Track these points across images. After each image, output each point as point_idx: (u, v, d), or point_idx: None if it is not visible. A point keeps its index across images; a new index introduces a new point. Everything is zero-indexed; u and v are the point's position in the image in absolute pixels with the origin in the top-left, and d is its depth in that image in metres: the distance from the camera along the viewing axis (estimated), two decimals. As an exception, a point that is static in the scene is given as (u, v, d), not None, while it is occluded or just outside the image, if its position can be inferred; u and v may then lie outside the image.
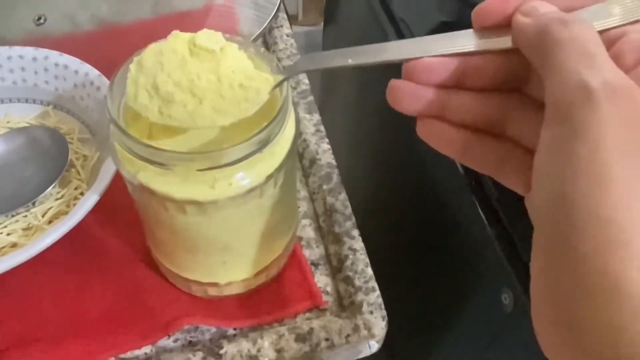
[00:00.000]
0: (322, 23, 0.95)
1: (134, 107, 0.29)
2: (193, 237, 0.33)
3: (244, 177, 0.30)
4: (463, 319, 0.52)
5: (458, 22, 0.57)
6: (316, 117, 0.49)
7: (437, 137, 0.25)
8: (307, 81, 0.52)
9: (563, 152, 0.19)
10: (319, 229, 0.44)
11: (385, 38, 0.62)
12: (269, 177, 0.31)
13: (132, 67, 0.29)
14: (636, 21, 0.22)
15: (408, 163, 0.60)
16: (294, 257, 0.41)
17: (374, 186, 0.72)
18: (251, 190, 0.30)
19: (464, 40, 0.24)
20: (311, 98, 0.50)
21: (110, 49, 0.53)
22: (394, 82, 0.24)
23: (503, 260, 0.45)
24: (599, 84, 0.19)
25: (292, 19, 1.00)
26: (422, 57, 0.24)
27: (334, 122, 0.81)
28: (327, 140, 0.48)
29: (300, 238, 0.43)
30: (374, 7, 0.67)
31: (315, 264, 0.42)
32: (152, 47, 0.29)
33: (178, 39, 0.29)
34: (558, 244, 0.18)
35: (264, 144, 0.29)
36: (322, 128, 0.48)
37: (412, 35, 0.59)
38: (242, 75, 0.29)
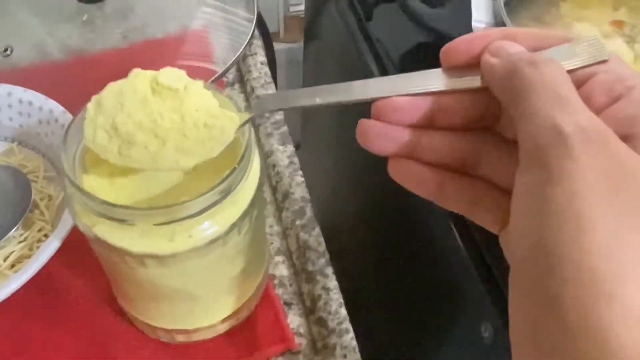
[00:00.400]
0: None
1: (92, 148, 0.28)
2: (155, 287, 0.32)
3: (205, 229, 0.29)
4: (443, 350, 0.51)
5: (435, 43, 0.56)
6: (290, 148, 0.48)
7: (409, 178, 0.24)
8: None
9: (539, 199, 0.18)
10: (292, 266, 0.43)
11: (362, 58, 0.61)
12: (232, 227, 0.30)
13: (91, 106, 0.28)
14: (602, 61, 0.22)
15: (388, 193, 0.59)
16: (266, 298, 0.40)
17: (354, 215, 0.72)
18: (213, 241, 0.29)
19: (433, 80, 0.23)
20: (285, 128, 0.49)
21: (81, 79, 0.52)
22: (363, 122, 0.24)
23: (483, 292, 0.44)
24: (573, 129, 0.18)
25: (274, 36, 0.99)
26: (391, 97, 0.23)
27: (315, 151, 0.81)
28: (300, 172, 0.47)
29: (274, 276, 0.42)
30: (350, 28, 0.66)
31: (288, 304, 0.41)
32: (112, 87, 0.28)
33: (139, 78, 0.28)
34: (540, 293, 0.18)
35: (225, 194, 0.28)
36: (295, 160, 0.47)
37: (389, 56, 0.59)
38: (207, 114, 0.28)
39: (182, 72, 0.28)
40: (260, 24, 0.66)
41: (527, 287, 0.19)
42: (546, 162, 0.18)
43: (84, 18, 0.55)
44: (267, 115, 0.50)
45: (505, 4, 0.51)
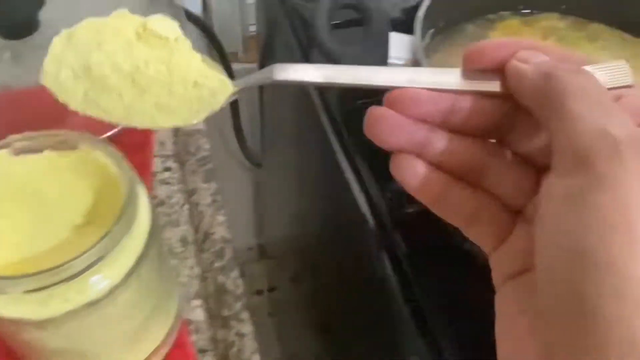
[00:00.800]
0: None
1: (49, 86, 0.24)
2: (41, 350, 0.31)
3: (83, 291, 0.28)
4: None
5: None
6: (213, 186, 0.48)
7: (413, 178, 0.23)
8: (207, 146, 0.50)
9: (584, 204, 0.18)
10: (209, 310, 0.42)
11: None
12: (114, 288, 0.29)
13: (58, 40, 0.24)
14: (627, 86, 0.22)
15: (329, 222, 0.58)
16: (179, 345, 0.39)
17: (311, 234, 0.71)
18: (94, 302, 0.29)
19: (451, 78, 0.23)
20: (210, 166, 0.49)
21: (7, 117, 0.51)
22: (375, 110, 0.22)
23: (412, 326, 0.44)
24: (624, 135, 0.18)
25: (232, 57, 0.98)
26: (408, 87, 0.22)
27: (276, 170, 0.80)
28: (223, 211, 0.46)
29: (190, 321, 0.41)
30: (300, 51, 0.66)
31: (203, 350, 0.40)
32: (90, 22, 0.24)
33: (124, 19, 0.24)
34: (575, 307, 0.17)
35: (100, 258, 0.27)
36: (219, 198, 0.47)
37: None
38: (198, 71, 0.24)
39: (175, 23, 0.25)
40: (216, 44, 0.65)
41: (558, 294, 0.18)
42: (592, 166, 0.18)
43: (6, 55, 0.54)
44: (192, 150, 0.50)
45: (432, 37, 0.51)
